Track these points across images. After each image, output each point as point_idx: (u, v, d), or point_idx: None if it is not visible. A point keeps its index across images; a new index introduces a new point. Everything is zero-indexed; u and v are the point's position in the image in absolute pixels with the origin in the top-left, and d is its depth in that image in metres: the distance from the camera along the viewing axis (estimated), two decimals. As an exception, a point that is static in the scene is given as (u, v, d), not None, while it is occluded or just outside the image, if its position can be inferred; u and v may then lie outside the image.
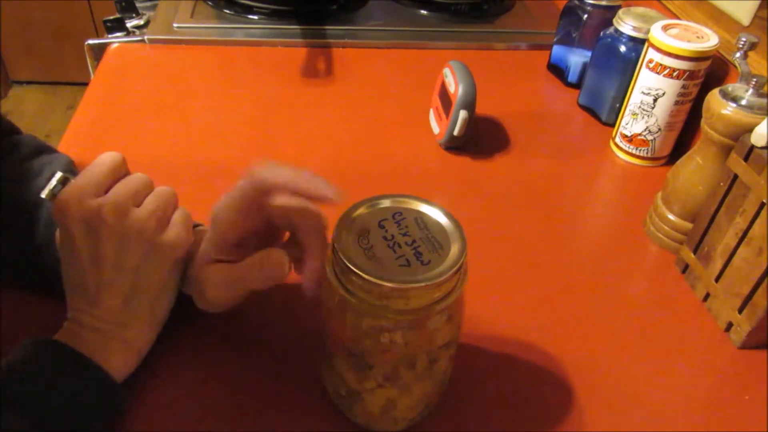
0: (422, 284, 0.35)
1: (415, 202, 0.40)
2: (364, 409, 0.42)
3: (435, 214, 0.39)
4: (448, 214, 0.39)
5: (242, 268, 0.41)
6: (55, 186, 0.42)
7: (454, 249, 0.37)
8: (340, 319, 0.38)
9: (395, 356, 0.38)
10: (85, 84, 0.80)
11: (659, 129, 0.68)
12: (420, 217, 0.39)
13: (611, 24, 0.73)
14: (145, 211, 0.42)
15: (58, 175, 0.42)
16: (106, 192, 0.42)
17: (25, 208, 0.48)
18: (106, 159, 0.43)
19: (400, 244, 0.37)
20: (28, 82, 2.53)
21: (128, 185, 0.43)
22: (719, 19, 0.72)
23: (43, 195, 0.42)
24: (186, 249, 0.44)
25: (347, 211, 0.39)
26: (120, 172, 0.44)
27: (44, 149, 0.54)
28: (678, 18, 0.76)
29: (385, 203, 0.39)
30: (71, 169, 0.52)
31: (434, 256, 0.37)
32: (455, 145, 0.71)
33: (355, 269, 0.35)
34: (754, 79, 0.53)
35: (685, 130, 0.70)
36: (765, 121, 0.48)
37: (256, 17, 0.93)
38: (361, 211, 0.39)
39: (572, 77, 0.83)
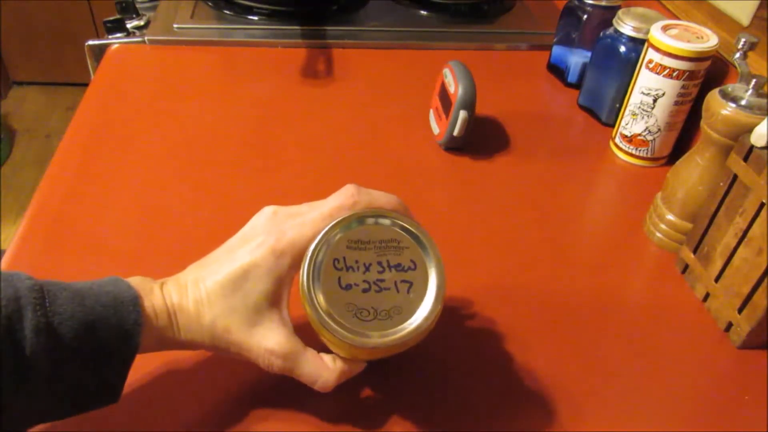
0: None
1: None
2: None
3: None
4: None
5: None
6: None
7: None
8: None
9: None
10: (86, 85, 0.80)
11: (659, 129, 0.68)
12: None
13: (611, 24, 0.73)
14: None
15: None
16: None
17: None
18: None
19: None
20: (29, 83, 2.53)
21: None
22: (719, 19, 0.72)
23: None
24: None
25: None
26: None
27: None
28: (678, 18, 0.76)
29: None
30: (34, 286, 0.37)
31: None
32: (455, 146, 0.71)
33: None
34: (754, 80, 0.53)
35: (685, 130, 0.70)
36: (765, 121, 0.48)
37: (256, 18, 0.93)
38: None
39: (572, 77, 0.83)
